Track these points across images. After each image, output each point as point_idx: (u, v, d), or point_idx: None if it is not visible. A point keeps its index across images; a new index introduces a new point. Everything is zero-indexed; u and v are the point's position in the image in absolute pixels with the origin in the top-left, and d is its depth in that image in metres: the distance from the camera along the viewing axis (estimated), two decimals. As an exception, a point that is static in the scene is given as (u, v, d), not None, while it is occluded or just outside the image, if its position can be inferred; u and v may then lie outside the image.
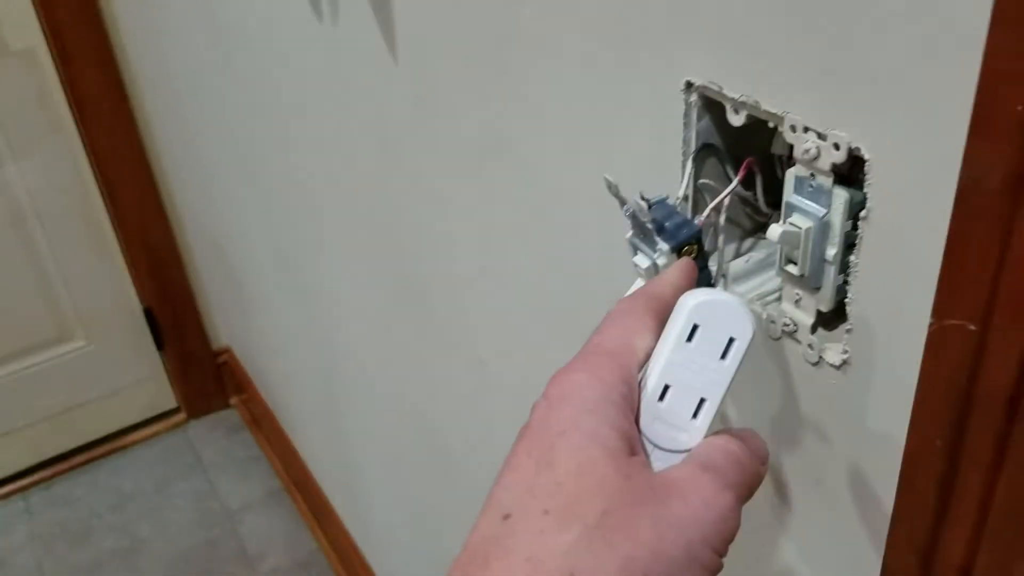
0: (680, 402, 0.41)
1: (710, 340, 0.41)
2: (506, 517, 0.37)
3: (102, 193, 2.07)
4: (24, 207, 2.02)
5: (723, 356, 0.41)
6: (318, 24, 0.99)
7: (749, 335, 0.41)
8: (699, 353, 0.41)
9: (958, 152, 0.38)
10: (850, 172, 0.48)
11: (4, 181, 1.98)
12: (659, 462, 0.40)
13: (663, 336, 0.42)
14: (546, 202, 0.73)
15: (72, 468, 2.30)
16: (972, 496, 0.43)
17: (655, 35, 0.54)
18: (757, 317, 0.55)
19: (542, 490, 0.37)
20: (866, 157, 0.44)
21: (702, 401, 0.41)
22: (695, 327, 0.41)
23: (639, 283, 0.55)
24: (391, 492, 1.54)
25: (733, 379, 0.41)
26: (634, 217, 0.52)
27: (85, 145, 2.00)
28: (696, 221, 0.55)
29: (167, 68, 1.77)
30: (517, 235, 0.80)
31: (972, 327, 0.39)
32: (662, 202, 0.54)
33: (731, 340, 0.41)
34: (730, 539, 0.39)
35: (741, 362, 0.41)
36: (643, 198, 0.52)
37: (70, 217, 2.07)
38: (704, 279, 0.55)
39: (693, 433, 0.41)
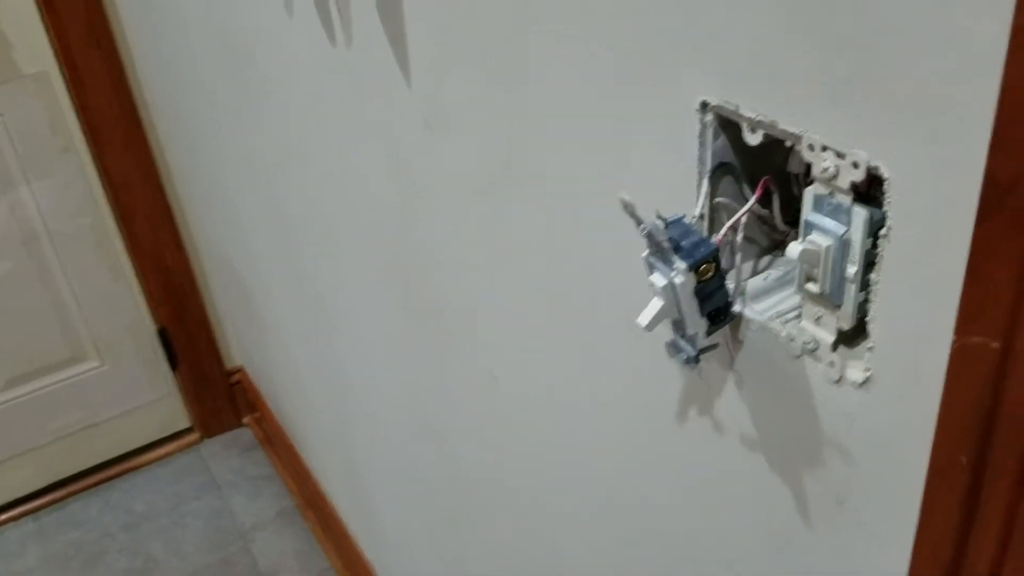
0: None
1: None
2: None
3: (115, 215, 2.08)
4: (37, 229, 2.03)
5: None
6: (332, 49, 0.99)
7: None
8: None
9: (979, 169, 0.38)
10: (868, 190, 0.48)
11: (18, 203, 1.99)
12: None
13: None
14: (559, 221, 0.74)
15: (85, 488, 2.30)
16: (998, 512, 0.42)
17: (670, 55, 0.55)
18: (777, 335, 0.55)
19: None
20: (885, 176, 0.44)
21: None
22: None
23: (655, 302, 0.55)
24: (405, 510, 1.54)
25: None
26: (650, 236, 0.53)
27: (98, 167, 2.01)
28: (713, 240, 0.55)
29: (180, 91, 1.79)
30: (530, 254, 0.80)
31: (995, 344, 0.39)
32: (678, 221, 0.54)
33: None
34: None
35: None
36: (659, 217, 0.52)
37: (83, 238, 2.08)
38: (721, 297, 0.55)
39: None
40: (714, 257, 0.53)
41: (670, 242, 0.52)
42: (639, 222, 0.52)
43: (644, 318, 0.55)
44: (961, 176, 0.40)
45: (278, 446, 2.28)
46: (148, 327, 2.25)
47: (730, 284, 0.57)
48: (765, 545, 0.65)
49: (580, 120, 0.66)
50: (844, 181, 0.46)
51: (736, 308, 0.57)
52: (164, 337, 2.27)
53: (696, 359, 0.57)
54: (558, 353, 0.83)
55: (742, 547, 0.67)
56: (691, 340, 0.56)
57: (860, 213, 0.47)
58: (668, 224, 0.53)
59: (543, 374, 0.87)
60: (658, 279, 0.54)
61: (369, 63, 0.93)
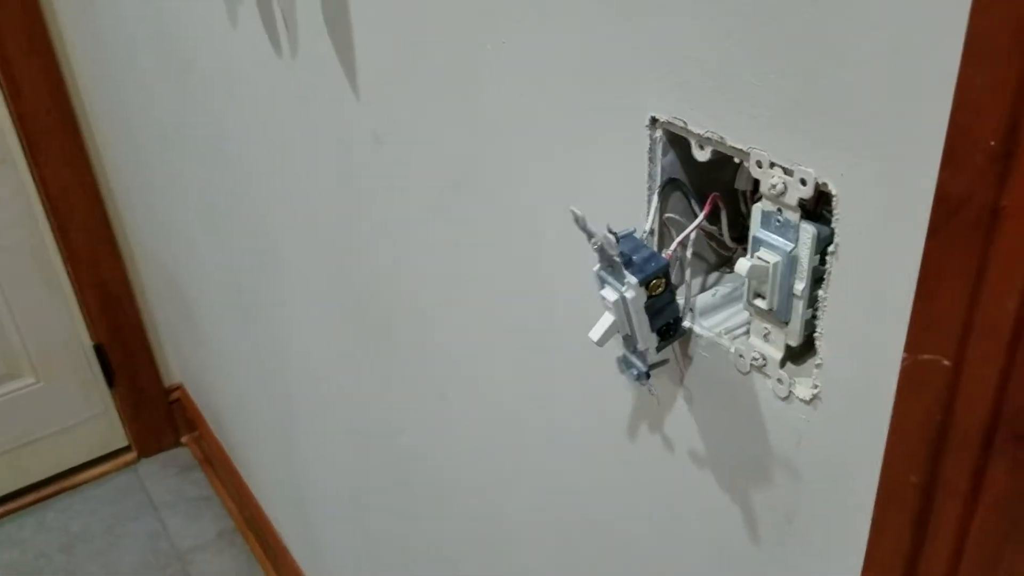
0: None
1: None
2: None
3: (53, 228, 2.03)
4: (-29, 241, 1.98)
5: None
6: (277, 59, 0.98)
7: None
8: None
9: (928, 185, 0.38)
10: (816, 206, 0.48)
11: (-50, 215, 1.93)
12: None
13: None
14: (511, 236, 0.73)
15: (20, 508, 2.23)
16: (949, 532, 0.42)
17: (620, 71, 0.54)
18: (726, 351, 0.55)
19: None
20: (833, 192, 0.44)
21: None
22: None
23: (607, 317, 0.55)
24: (348, 530, 1.52)
25: None
26: (602, 250, 0.52)
27: (35, 179, 1.96)
28: (663, 255, 0.55)
29: (121, 101, 1.75)
30: (481, 269, 0.79)
31: (946, 362, 0.38)
32: (629, 235, 0.53)
33: None
34: None
35: None
36: (610, 231, 0.52)
37: (19, 252, 2.03)
38: (671, 312, 0.55)
39: None
40: (664, 272, 0.53)
41: (621, 256, 0.52)
42: (590, 236, 0.52)
43: (595, 333, 0.55)
44: (910, 192, 0.40)
45: (217, 466, 2.24)
46: (85, 343, 2.20)
47: (680, 300, 0.56)
48: (713, 562, 0.64)
49: (531, 135, 0.65)
50: (792, 198, 0.46)
51: (686, 324, 0.57)
52: (101, 353, 2.22)
53: (647, 374, 0.56)
54: (509, 369, 0.82)
55: (690, 564, 0.67)
56: (642, 356, 0.56)
57: (808, 230, 0.47)
58: (619, 238, 0.52)
59: (493, 391, 0.86)
60: (609, 293, 0.53)
61: (317, 75, 0.91)
